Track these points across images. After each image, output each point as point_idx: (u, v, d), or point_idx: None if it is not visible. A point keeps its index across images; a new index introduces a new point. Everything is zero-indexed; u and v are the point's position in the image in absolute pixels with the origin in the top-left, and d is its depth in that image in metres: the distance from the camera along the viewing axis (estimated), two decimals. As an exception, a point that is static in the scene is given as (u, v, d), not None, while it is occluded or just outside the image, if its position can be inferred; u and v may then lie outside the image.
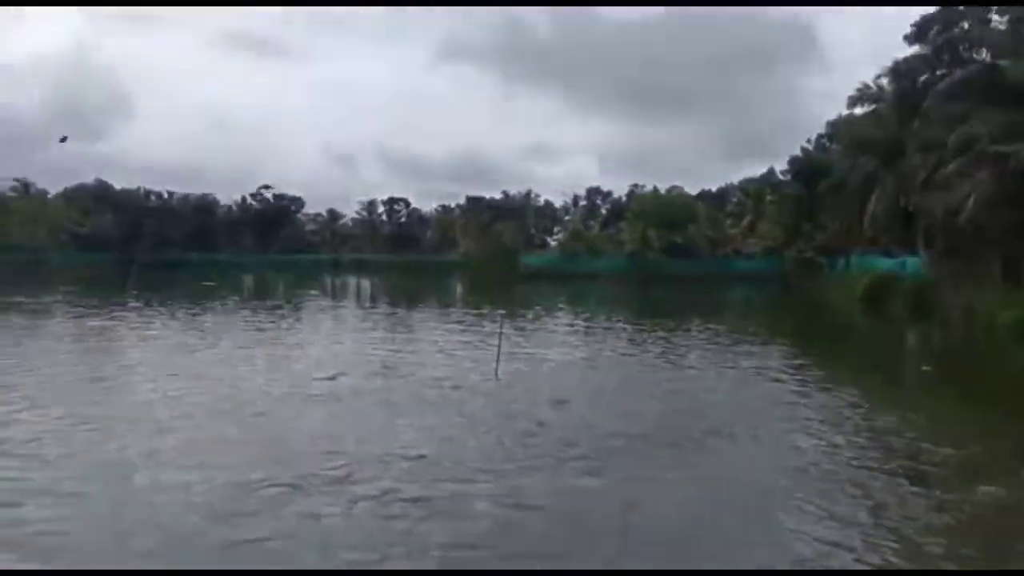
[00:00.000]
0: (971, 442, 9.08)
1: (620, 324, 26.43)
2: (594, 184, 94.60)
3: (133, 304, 28.48)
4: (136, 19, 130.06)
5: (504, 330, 15.03)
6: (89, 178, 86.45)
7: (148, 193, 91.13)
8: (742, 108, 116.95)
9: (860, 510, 6.74)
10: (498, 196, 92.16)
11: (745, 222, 69.43)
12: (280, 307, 31.77)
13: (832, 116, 49.56)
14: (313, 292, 44.48)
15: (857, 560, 5.72)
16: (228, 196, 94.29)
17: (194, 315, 26.40)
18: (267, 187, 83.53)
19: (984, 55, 30.13)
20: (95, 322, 22.67)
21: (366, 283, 57.51)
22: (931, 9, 32.47)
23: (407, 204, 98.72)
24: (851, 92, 38.83)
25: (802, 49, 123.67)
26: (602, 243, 75.16)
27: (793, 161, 57.58)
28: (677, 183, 79.03)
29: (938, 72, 31.59)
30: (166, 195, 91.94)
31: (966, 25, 31.15)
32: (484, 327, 21.57)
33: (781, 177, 64.40)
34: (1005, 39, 28.00)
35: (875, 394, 12.59)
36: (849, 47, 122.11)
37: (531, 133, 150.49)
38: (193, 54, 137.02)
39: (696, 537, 6.24)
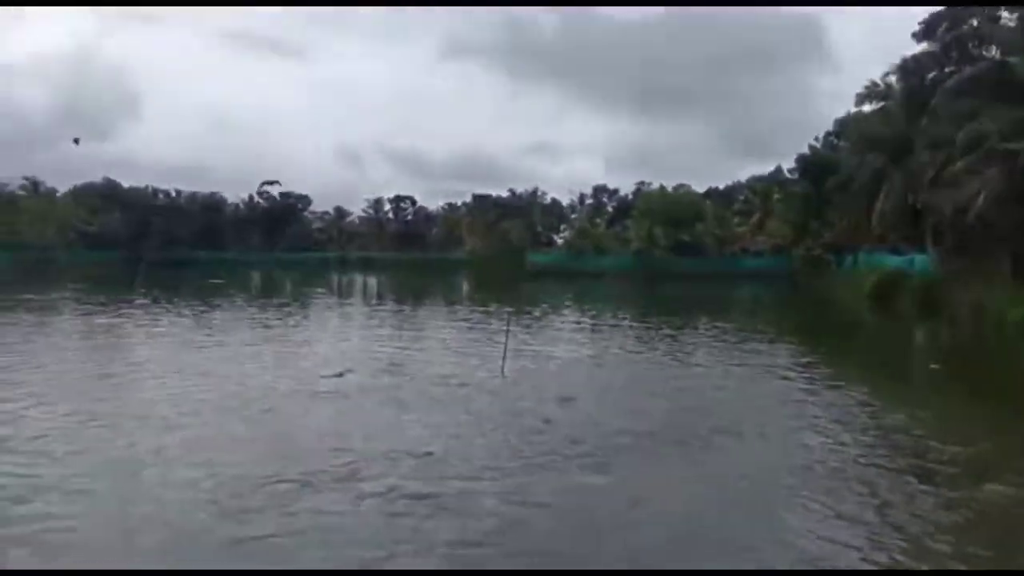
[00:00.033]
0: (979, 440, 9.04)
1: (627, 322, 26.42)
2: (601, 182, 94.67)
3: (141, 302, 28.60)
4: (142, 19, 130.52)
5: (510, 328, 15.02)
6: (97, 177, 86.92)
7: (156, 192, 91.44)
8: (749, 106, 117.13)
9: (867, 508, 6.71)
10: (504, 194, 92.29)
11: (753, 220, 69.26)
12: (287, 305, 31.83)
13: (840, 114, 49.58)
14: (320, 290, 44.55)
15: (863, 559, 5.69)
16: (235, 194, 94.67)
17: (201, 313, 26.45)
18: (270, 183, 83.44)
19: (993, 52, 30.00)
20: (103, 319, 22.79)
21: (373, 281, 57.60)
22: (939, 8, 32.36)
23: (413, 202, 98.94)
24: (859, 90, 38.84)
25: (809, 47, 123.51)
26: (608, 241, 75.06)
27: (801, 159, 57.46)
28: (684, 181, 78.97)
29: (947, 69, 31.49)
30: (174, 193, 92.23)
31: (975, 22, 31.01)
32: (490, 325, 21.57)
33: (789, 175, 64.28)
34: (1014, 36, 27.84)
35: (883, 392, 12.54)
36: (856, 45, 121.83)
37: (537, 131, 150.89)
38: (199, 54, 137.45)
39: (702, 535, 6.23)
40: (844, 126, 48.15)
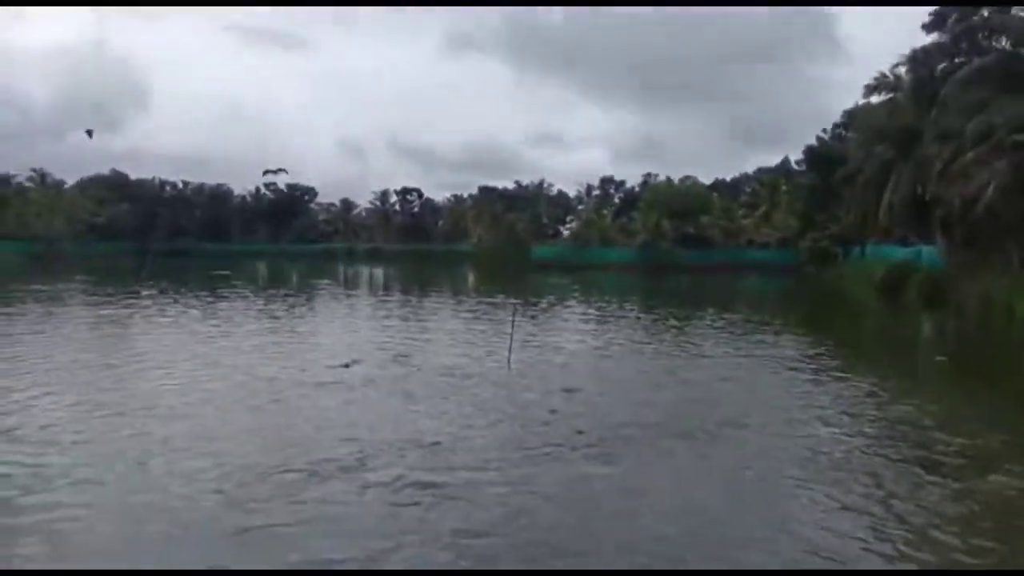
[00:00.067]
0: (986, 432, 9.02)
1: (633, 313, 26.37)
2: (607, 174, 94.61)
3: (148, 292, 28.70)
4: (148, 12, 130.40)
5: (517, 319, 15.02)
6: (105, 168, 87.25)
7: (163, 183, 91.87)
8: (756, 97, 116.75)
9: (873, 499, 6.70)
10: (511, 186, 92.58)
11: (760, 212, 69.07)
12: (294, 296, 31.91)
13: (848, 105, 49.26)
14: (327, 281, 44.62)
15: (868, 550, 5.68)
16: (242, 186, 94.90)
17: (208, 303, 26.54)
18: (275, 171, 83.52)
19: (1003, 43, 29.78)
20: (110, 310, 22.88)
21: (379, 272, 57.68)
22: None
23: (420, 194, 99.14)
24: (868, 81, 38.56)
25: (818, 38, 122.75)
26: (615, 232, 74.98)
27: (808, 150, 57.17)
28: (691, 173, 78.93)
29: (956, 60, 31.26)
30: (181, 185, 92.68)
31: (985, 12, 30.77)
32: (497, 316, 21.59)
33: (796, 167, 64.09)
34: (1025, 26, 27.67)
35: (890, 383, 12.50)
36: (865, 36, 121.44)
37: (543, 123, 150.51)
38: (207, 47, 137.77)
39: (708, 525, 6.22)
40: (852, 117, 47.85)
